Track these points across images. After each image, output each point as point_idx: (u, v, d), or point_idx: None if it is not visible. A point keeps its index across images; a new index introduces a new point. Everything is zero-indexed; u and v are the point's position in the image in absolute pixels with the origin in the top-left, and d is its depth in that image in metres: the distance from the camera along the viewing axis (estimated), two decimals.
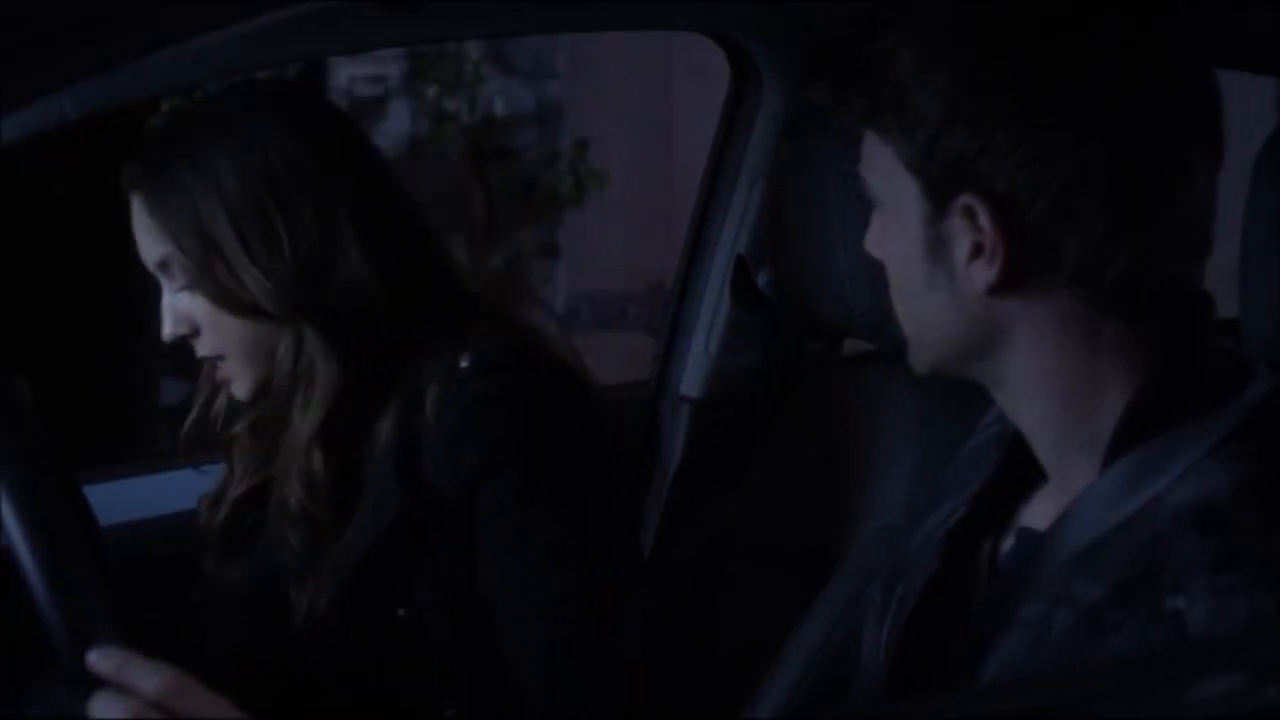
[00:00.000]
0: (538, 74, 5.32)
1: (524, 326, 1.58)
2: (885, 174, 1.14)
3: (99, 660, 1.10)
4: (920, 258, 1.13)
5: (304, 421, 1.53)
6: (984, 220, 1.09)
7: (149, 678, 1.09)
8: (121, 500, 1.91)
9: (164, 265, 1.55)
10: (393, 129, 5.15)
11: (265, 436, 1.60)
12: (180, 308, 1.56)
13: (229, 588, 1.64)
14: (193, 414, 1.65)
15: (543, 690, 1.47)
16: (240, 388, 1.57)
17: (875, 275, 1.22)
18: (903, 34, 1.11)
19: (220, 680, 1.17)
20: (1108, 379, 1.11)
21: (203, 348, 1.56)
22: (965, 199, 1.09)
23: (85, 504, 1.43)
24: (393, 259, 1.54)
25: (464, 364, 1.50)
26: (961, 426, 1.34)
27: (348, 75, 5.10)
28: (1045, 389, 1.13)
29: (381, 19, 1.64)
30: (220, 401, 1.64)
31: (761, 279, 1.95)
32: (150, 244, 1.55)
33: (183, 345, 1.59)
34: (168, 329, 1.56)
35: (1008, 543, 1.21)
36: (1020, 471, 1.21)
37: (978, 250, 1.10)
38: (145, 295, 1.68)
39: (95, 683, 1.11)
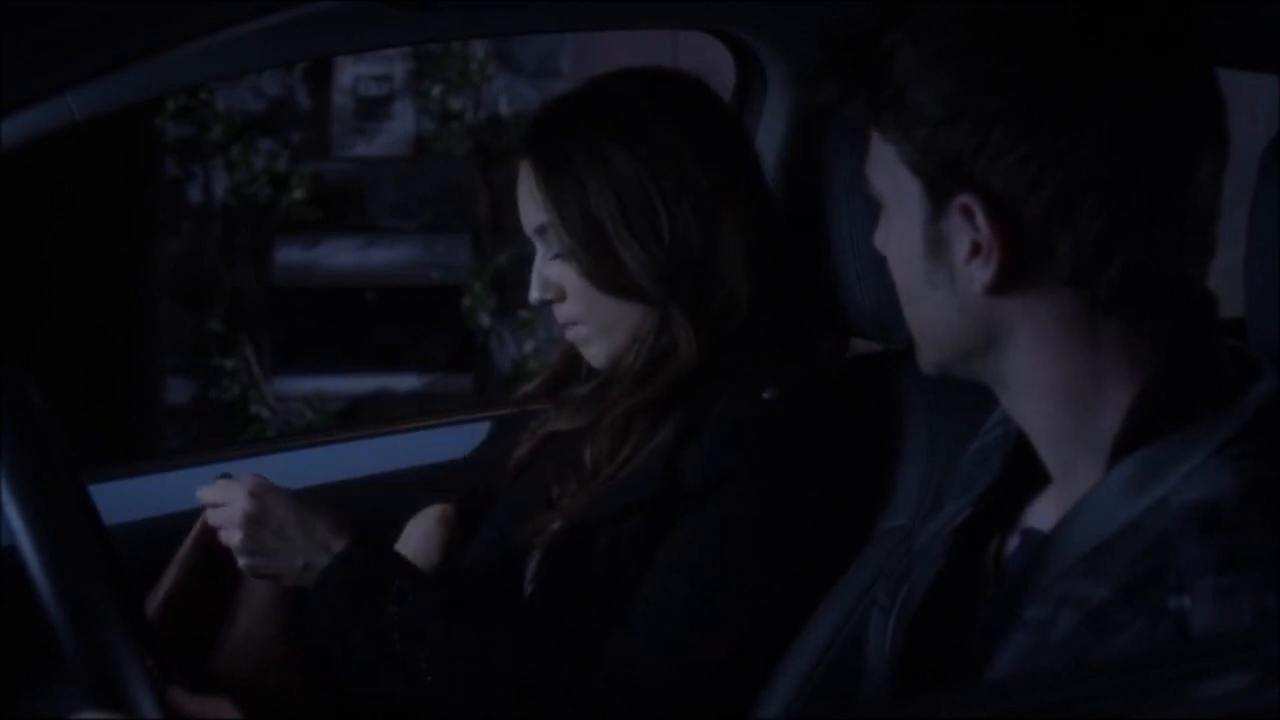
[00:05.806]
0: (543, 73, 5.31)
1: (823, 362, 1.66)
2: (888, 173, 1.14)
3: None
4: (922, 257, 1.13)
5: (644, 390, 1.59)
6: (981, 220, 1.09)
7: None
8: (127, 499, 1.91)
9: (541, 231, 1.62)
10: (398, 128, 5.14)
11: (593, 399, 1.66)
12: (550, 274, 1.63)
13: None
14: (546, 372, 1.76)
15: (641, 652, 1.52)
16: (596, 355, 1.64)
17: (883, 275, 1.22)
18: (904, 32, 1.11)
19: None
20: (1110, 379, 1.11)
21: (563, 314, 1.64)
22: (963, 198, 1.09)
23: (91, 503, 1.43)
24: (766, 269, 1.61)
25: (766, 395, 1.56)
26: (970, 426, 1.34)
27: (353, 75, 5.09)
28: (1048, 389, 1.13)
29: (388, 18, 1.65)
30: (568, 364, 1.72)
31: None
32: (533, 210, 1.62)
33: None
34: (535, 293, 1.64)
35: (1013, 543, 1.21)
36: (1026, 472, 1.21)
37: (975, 250, 1.10)
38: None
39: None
